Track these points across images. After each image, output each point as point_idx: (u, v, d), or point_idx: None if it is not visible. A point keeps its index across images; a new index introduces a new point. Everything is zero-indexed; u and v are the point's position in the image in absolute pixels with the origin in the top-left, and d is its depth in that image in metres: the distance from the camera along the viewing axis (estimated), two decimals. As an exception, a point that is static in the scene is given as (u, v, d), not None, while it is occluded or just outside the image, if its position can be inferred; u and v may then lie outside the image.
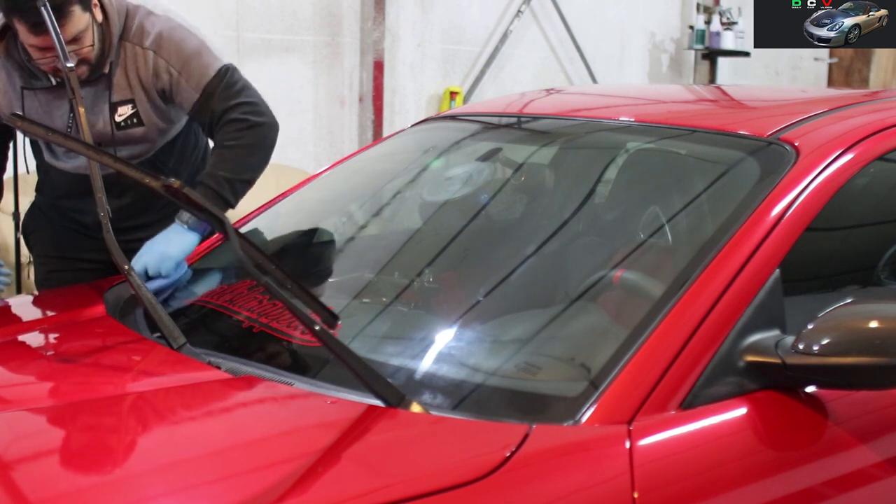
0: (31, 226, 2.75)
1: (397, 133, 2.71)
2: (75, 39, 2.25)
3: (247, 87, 2.42)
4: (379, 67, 5.80)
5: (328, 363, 1.72)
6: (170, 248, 2.21)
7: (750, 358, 1.54)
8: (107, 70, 2.37)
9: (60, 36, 2.21)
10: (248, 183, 2.38)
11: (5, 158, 2.64)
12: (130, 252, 2.19)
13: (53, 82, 2.37)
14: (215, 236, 2.33)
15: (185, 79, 2.37)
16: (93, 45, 2.30)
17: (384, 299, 2.06)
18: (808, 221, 1.71)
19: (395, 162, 2.59)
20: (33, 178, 2.75)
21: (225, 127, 2.37)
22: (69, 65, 2.21)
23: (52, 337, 2.01)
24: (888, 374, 1.49)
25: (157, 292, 2.09)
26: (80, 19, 2.25)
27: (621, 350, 1.53)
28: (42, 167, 2.66)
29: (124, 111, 2.39)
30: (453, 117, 2.78)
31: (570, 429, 1.44)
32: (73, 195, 2.58)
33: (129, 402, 1.67)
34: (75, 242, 2.65)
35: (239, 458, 1.46)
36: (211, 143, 2.54)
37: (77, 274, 2.57)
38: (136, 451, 1.52)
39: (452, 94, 6.14)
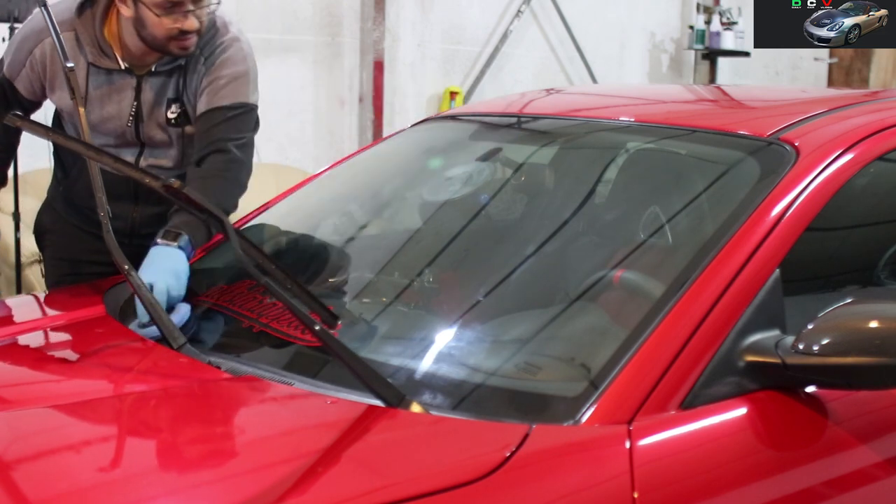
0: (45, 225, 2.66)
1: (397, 133, 2.71)
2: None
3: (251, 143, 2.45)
4: (379, 67, 5.80)
5: (328, 363, 1.72)
6: (177, 265, 2.08)
7: (750, 358, 1.54)
8: (181, 63, 2.39)
9: (60, 36, 2.22)
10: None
11: (16, 145, 2.59)
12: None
13: (122, 66, 2.36)
14: (215, 237, 2.32)
15: (210, 91, 2.38)
16: (203, 23, 2.32)
17: (384, 299, 2.06)
18: (808, 221, 1.71)
19: (395, 162, 2.58)
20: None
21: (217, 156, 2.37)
22: (69, 65, 2.21)
23: (52, 337, 2.01)
24: (888, 374, 1.49)
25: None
26: None
27: (621, 350, 1.53)
28: (73, 166, 2.54)
29: (176, 109, 2.43)
30: (453, 117, 2.78)
31: (570, 429, 1.44)
32: (109, 198, 2.39)
33: (129, 402, 1.67)
34: (94, 246, 2.50)
35: (239, 458, 1.46)
36: None
37: (93, 279, 2.45)
38: (136, 451, 1.52)
39: (452, 94, 6.14)
